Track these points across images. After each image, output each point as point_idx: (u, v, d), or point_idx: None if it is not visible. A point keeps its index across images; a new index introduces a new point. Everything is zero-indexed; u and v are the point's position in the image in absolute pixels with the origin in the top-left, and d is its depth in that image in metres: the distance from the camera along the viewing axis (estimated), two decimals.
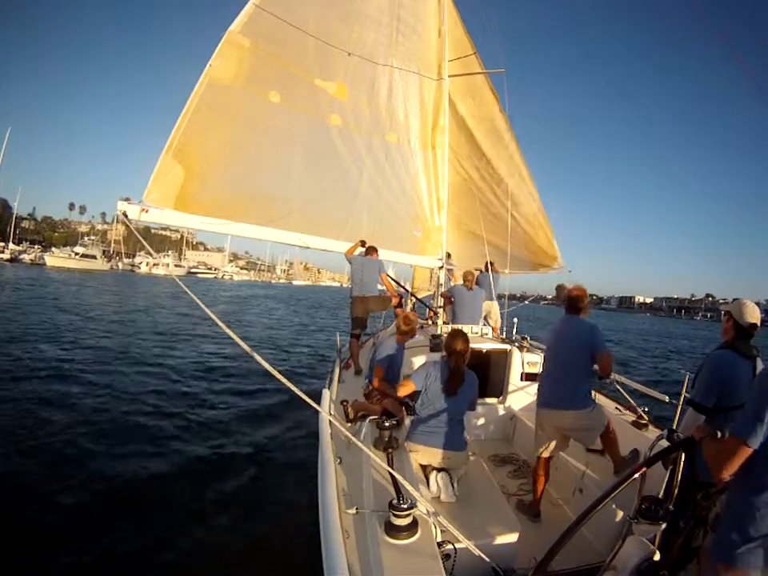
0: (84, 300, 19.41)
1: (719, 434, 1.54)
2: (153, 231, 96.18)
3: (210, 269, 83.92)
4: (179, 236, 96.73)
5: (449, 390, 2.55)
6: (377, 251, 4.75)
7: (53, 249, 57.45)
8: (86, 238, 63.45)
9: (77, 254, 52.44)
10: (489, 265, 6.11)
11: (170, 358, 9.24)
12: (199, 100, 3.65)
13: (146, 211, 3.46)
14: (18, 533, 3.05)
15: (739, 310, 2.14)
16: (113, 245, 78.72)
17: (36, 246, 65.75)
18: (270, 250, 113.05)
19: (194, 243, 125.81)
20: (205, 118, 3.73)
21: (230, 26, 3.80)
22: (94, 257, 54.01)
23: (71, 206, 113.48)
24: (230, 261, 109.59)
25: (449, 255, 6.13)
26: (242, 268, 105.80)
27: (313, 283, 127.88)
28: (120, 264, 70.12)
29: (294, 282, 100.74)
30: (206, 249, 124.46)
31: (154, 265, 63.49)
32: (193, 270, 73.51)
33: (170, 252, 74.37)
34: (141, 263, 66.72)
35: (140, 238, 3.36)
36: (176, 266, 66.89)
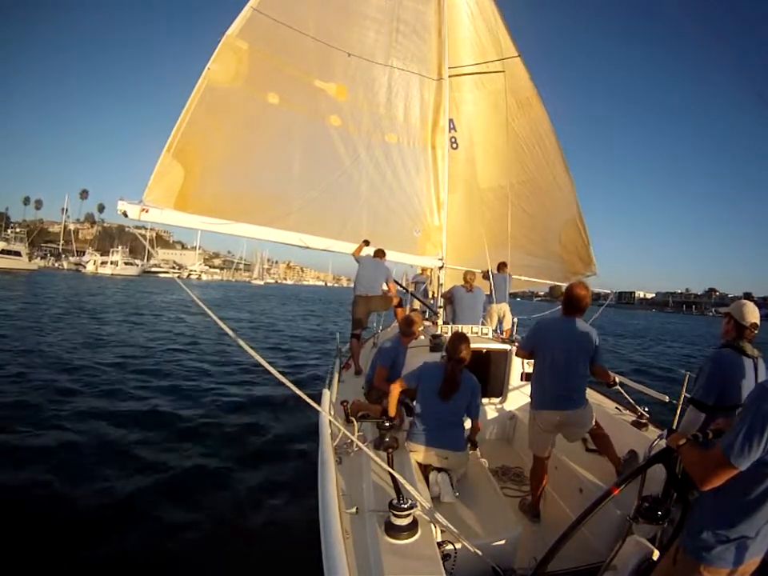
0: None
1: (700, 437, 1.53)
2: (127, 229, 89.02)
3: (175, 267, 73.78)
4: (154, 234, 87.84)
5: (442, 395, 2.56)
6: (384, 254, 4.84)
7: None
8: (8, 231, 51.78)
9: None
10: (501, 266, 6.10)
11: (164, 357, 9.25)
12: (198, 102, 3.66)
13: (146, 211, 3.45)
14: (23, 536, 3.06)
15: (740, 310, 2.16)
16: (62, 241, 74.33)
17: None
18: (245, 247, 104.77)
19: (171, 242, 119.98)
20: (204, 120, 3.74)
21: (228, 30, 3.80)
22: (17, 254, 44.90)
23: (26, 201, 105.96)
24: (206, 259, 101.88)
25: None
26: (212, 267, 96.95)
27: (297, 283, 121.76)
28: (65, 263, 63.63)
29: (254, 282, 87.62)
30: (183, 247, 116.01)
31: (102, 263, 57.04)
32: (152, 269, 64.80)
33: (119, 247, 63.13)
34: (88, 262, 59.47)
35: (141, 235, 3.35)
36: (126, 263, 59.51)
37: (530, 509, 2.81)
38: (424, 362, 2.84)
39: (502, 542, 2.12)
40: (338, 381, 3.96)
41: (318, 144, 4.56)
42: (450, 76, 5.38)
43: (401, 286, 5.93)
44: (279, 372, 1.90)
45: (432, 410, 2.58)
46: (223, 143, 3.95)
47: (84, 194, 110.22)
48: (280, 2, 4.10)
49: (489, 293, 5.78)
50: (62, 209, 79.48)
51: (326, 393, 2.90)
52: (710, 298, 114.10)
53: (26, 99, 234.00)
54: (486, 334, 4.41)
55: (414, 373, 2.71)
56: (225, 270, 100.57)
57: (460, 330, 3.86)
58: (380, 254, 4.82)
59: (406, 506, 1.68)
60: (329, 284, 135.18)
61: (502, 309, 6.29)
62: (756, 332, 2.16)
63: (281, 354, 11.23)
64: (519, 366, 3.95)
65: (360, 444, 2.00)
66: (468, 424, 2.79)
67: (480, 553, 1.83)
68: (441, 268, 5.45)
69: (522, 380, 3.96)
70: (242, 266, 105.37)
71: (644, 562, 1.81)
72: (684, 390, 2.85)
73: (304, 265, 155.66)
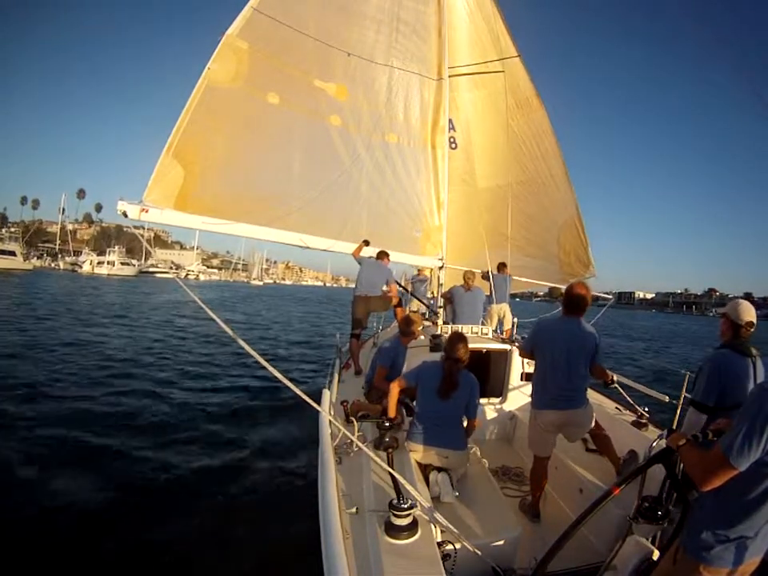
0: None
1: (700, 437, 1.53)
2: (125, 229, 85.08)
3: (172, 267, 72.05)
4: (152, 234, 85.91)
5: (441, 394, 2.56)
6: (388, 256, 4.83)
7: None
8: (3, 230, 51.16)
9: None
10: (501, 266, 6.11)
11: (163, 360, 9.24)
12: (198, 102, 3.66)
13: (146, 211, 3.45)
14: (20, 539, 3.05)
15: (735, 310, 2.17)
16: (58, 241, 74.05)
17: None
18: (243, 247, 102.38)
19: (169, 242, 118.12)
20: (204, 120, 3.74)
21: (228, 30, 3.80)
22: (12, 253, 44.48)
23: (23, 200, 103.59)
24: (204, 259, 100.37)
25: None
26: (210, 267, 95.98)
27: (295, 283, 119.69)
28: (62, 263, 63.89)
29: (253, 282, 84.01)
30: (182, 247, 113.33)
31: (98, 263, 56.56)
32: (149, 270, 64.28)
33: (116, 247, 62.97)
34: (84, 262, 59.13)
35: (140, 235, 3.36)
36: (123, 264, 58.66)
37: (530, 509, 2.81)
38: (423, 361, 2.84)
39: (502, 542, 2.12)
40: (338, 381, 3.96)
41: (318, 144, 4.56)
42: (449, 76, 5.39)
43: (401, 286, 5.94)
44: (279, 373, 1.90)
45: (431, 409, 2.58)
46: (223, 143, 3.94)
47: (81, 194, 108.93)
48: (280, 1, 4.11)
49: (489, 293, 5.79)
50: (59, 208, 78.45)
51: (326, 393, 2.90)
52: (710, 298, 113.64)
53: (25, 99, 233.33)
54: (486, 334, 4.42)
55: (413, 372, 2.72)
56: (223, 270, 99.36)
57: (459, 330, 3.86)
58: (383, 255, 4.81)
59: (406, 506, 1.68)
60: (327, 284, 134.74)
61: (502, 309, 6.30)
62: (752, 330, 2.17)
63: (279, 354, 11.23)
64: (519, 366, 3.96)
65: (360, 444, 2.01)
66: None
67: (480, 553, 1.83)
68: (441, 268, 5.46)
69: (522, 380, 3.97)
70: (240, 267, 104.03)
71: (644, 562, 1.81)
72: (684, 390, 2.85)
73: (303, 265, 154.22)
